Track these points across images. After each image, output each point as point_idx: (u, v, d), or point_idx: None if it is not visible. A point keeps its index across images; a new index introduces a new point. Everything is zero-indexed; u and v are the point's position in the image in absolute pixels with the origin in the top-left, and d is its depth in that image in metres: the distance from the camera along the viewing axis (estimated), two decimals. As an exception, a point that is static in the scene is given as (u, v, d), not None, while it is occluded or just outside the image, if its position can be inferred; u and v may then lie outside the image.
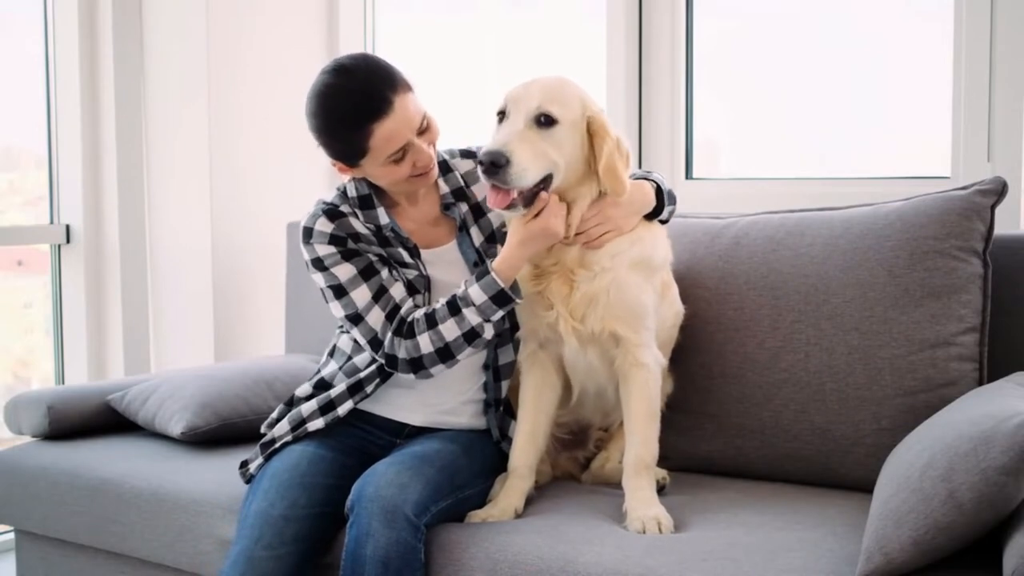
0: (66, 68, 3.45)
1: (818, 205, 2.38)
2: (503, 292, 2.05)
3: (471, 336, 2.07)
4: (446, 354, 2.08)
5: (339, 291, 2.13)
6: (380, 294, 2.12)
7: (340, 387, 2.20)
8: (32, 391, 2.83)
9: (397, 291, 2.14)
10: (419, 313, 2.10)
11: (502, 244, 2.14)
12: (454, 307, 2.07)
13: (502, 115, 2.03)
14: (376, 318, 2.11)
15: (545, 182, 2.01)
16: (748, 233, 2.35)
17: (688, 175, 3.10)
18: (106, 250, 3.50)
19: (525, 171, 1.96)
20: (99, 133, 3.48)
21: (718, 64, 3.11)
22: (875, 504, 1.71)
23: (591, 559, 1.82)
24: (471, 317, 2.06)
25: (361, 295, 2.12)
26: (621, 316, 2.06)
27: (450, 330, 2.07)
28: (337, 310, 2.15)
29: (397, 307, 2.12)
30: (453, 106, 3.62)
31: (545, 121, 1.99)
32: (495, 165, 1.94)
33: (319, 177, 3.67)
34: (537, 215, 2.02)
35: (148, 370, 3.52)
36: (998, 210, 2.13)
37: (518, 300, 2.07)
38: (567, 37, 3.39)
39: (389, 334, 2.10)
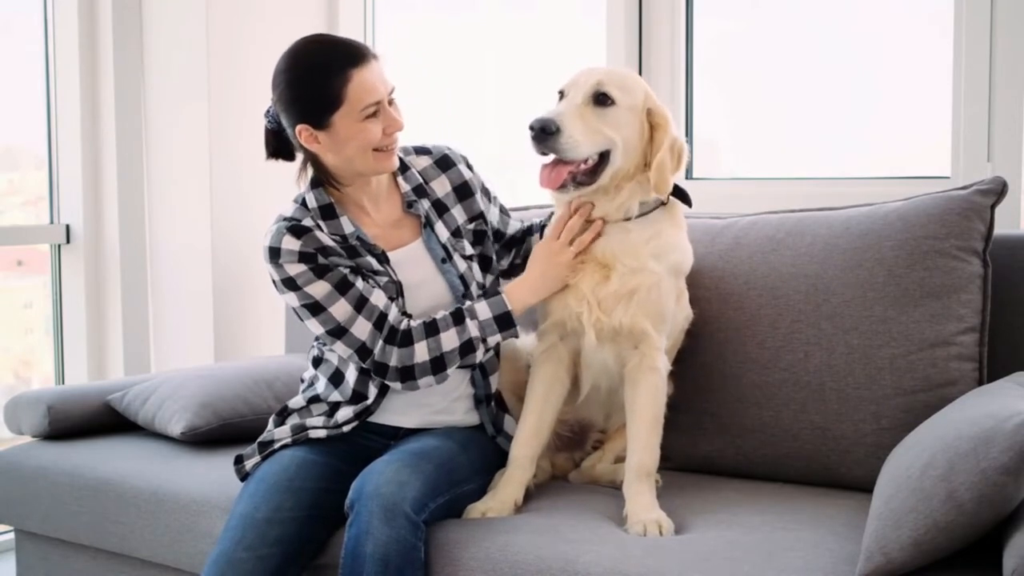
0: (66, 68, 3.45)
1: (818, 205, 2.38)
2: (508, 315, 2.06)
3: (466, 349, 2.07)
4: (439, 365, 2.07)
5: (316, 308, 2.06)
6: (361, 304, 2.07)
7: (347, 412, 2.16)
8: (32, 391, 2.83)
9: (378, 298, 2.08)
10: (416, 322, 2.09)
11: (468, 240, 2.14)
12: (459, 317, 2.08)
13: (562, 95, 2.03)
14: (362, 328, 2.06)
15: (603, 161, 2.01)
16: (748, 233, 2.35)
17: (688, 175, 3.10)
18: (106, 250, 3.50)
19: (577, 143, 1.96)
20: (99, 133, 3.47)
21: (718, 64, 3.11)
22: (875, 504, 1.71)
23: (591, 559, 1.82)
24: (472, 329, 2.06)
25: (341, 309, 2.05)
26: (650, 316, 2.07)
27: (450, 339, 2.06)
28: (316, 327, 2.08)
29: (384, 315, 2.08)
30: (453, 106, 3.62)
31: (602, 100, 1.99)
32: (544, 131, 1.93)
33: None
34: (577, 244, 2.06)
35: (148, 370, 3.52)
36: (998, 210, 2.13)
37: (518, 335, 2.10)
38: (567, 37, 3.39)
39: (380, 342, 2.07)
